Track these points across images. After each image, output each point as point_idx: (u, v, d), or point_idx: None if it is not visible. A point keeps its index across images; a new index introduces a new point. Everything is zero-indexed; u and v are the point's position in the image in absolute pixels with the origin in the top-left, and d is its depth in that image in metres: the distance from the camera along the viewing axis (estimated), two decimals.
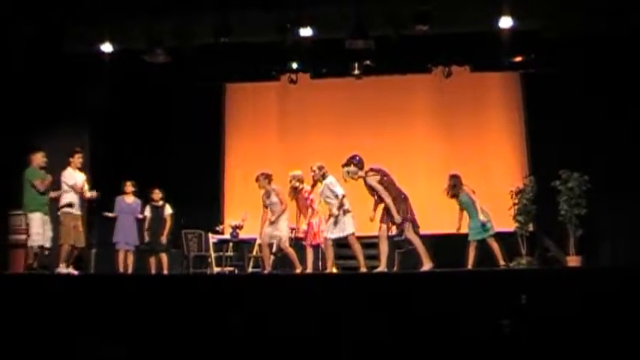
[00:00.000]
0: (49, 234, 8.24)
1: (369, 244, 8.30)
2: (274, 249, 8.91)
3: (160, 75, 9.85)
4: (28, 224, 8.23)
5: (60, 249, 8.26)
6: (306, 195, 8.60)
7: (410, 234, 7.70)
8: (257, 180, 8.60)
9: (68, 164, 8.44)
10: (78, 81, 9.68)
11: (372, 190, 7.87)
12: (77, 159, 8.45)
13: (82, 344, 5.65)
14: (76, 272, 8.26)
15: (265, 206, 8.53)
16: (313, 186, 8.51)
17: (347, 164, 7.93)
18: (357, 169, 7.90)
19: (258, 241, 9.87)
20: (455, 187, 8.63)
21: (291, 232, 8.99)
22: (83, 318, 5.86)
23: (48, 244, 8.22)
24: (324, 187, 8.03)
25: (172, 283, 6.99)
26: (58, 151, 8.66)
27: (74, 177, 8.38)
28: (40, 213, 8.11)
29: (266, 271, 8.39)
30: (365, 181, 7.89)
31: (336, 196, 7.86)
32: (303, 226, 8.62)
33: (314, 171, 8.21)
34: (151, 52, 8.83)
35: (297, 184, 8.59)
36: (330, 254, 7.94)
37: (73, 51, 9.19)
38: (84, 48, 9.08)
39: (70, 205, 8.27)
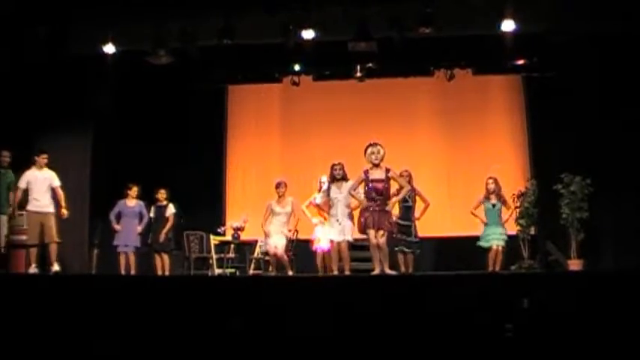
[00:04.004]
0: None
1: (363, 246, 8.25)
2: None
3: (163, 76, 9.86)
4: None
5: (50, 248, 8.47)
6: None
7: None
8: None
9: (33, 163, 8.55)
10: (81, 82, 9.68)
11: (388, 182, 7.55)
12: (42, 159, 8.56)
13: (79, 346, 5.64)
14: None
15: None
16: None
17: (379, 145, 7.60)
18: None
19: (260, 243, 9.85)
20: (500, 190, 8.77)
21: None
22: (81, 319, 5.85)
23: None
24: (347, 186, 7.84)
25: (172, 285, 6.97)
26: (61, 152, 8.67)
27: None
28: None
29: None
30: (388, 171, 7.59)
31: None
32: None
33: (341, 168, 7.95)
34: (154, 54, 8.84)
35: None
36: (336, 257, 7.88)
37: (76, 52, 9.19)
38: (87, 49, 9.07)
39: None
